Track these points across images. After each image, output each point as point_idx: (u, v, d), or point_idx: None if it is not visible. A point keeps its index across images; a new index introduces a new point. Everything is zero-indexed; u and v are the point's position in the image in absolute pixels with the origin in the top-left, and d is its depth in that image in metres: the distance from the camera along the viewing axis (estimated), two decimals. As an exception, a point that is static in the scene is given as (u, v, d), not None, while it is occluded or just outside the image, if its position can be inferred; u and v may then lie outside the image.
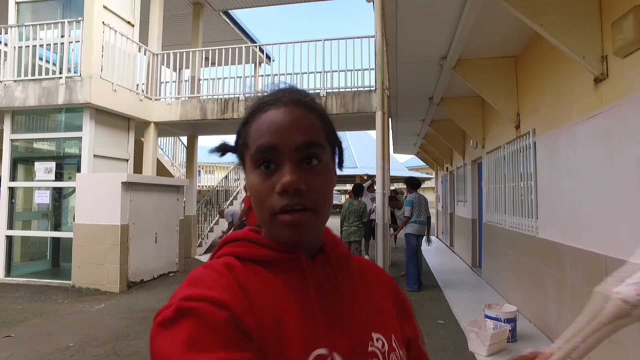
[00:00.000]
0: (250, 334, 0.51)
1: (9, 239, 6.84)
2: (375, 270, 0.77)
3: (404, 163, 26.43)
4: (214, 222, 11.09)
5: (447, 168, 11.85)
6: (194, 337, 0.48)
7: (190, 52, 8.48)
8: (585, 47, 2.95)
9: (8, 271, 6.78)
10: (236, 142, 0.66)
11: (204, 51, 8.82)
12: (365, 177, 17.78)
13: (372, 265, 0.78)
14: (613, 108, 2.83)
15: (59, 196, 6.98)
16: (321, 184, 0.60)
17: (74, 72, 6.62)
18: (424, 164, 18.26)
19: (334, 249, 0.68)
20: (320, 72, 7.41)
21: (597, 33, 2.95)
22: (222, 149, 0.68)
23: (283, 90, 0.65)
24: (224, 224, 10.58)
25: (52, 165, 6.70)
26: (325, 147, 0.62)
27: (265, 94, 0.65)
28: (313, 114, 0.63)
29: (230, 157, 0.68)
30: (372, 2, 6.69)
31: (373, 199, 8.05)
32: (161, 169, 10.37)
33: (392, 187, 14.32)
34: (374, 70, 7.24)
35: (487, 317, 4.02)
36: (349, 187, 18.09)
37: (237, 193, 12.42)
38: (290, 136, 0.59)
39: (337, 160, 0.70)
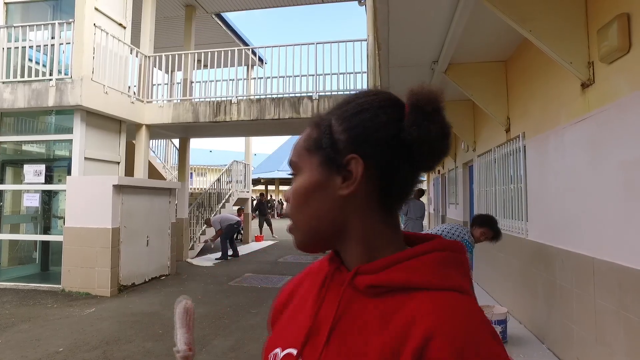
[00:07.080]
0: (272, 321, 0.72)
1: (-3, 243, 6.74)
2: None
3: (396, 166, 26.53)
4: (205, 225, 11.02)
5: (438, 171, 11.93)
6: None
7: (183, 55, 8.46)
8: (572, 53, 3.01)
9: (-4, 275, 6.68)
10: None
11: (196, 54, 8.80)
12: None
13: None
14: (599, 113, 2.88)
15: (48, 199, 6.90)
16: (292, 191, 0.61)
17: (65, 74, 6.56)
18: (416, 167, 18.34)
19: (367, 273, 0.55)
20: (313, 75, 7.44)
21: (583, 39, 3.01)
22: None
23: None
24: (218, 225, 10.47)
25: (42, 167, 6.62)
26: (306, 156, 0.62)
27: None
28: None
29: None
30: (364, 6, 6.74)
31: None
32: (153, 172, 10.30)
33: None
34: (366, 74, 7.29)
35: (478, 318, 4.05)
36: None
37: (230, 196, 12.38)
38: None
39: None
